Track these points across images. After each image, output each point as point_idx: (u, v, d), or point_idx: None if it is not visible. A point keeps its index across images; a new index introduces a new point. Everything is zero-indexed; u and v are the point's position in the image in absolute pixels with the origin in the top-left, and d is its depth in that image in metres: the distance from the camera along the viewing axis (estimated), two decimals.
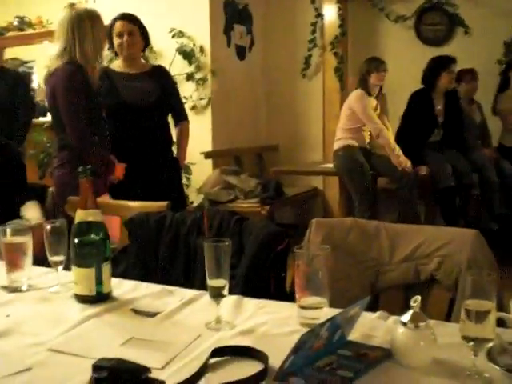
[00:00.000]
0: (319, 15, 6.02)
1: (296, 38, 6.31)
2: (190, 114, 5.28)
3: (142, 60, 3.68)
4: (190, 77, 5.31)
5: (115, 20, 3.46)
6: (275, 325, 1.35)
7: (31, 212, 2.85)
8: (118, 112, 3.35)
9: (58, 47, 3.06)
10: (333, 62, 5.92)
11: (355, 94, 4.87)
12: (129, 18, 3.45)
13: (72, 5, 6.03)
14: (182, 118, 3.70)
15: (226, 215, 2.05)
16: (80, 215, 1.51)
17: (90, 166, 1.51)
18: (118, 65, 3.55)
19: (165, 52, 5.40)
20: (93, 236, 1.51)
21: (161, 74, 3.58)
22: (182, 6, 5.41)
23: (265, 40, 6.45)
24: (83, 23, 3.01)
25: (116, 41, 3.43)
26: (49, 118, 5.77)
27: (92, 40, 3.03)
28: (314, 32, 6.09)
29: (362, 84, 4.85)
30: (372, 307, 1.40)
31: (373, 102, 4.89)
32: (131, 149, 3.34)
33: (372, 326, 1.33)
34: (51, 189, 3.15)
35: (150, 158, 3.40)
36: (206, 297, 1.48)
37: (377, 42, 6.08)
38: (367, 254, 1.86)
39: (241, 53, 6.04)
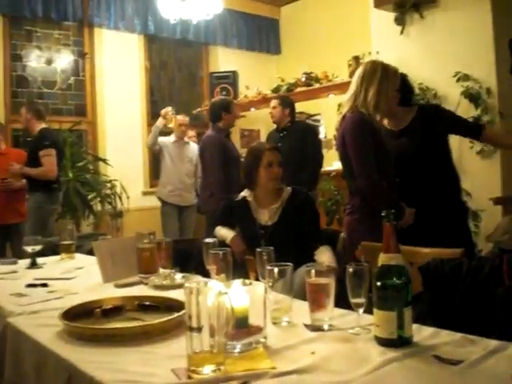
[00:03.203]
0: None
1: None
2: (477, 159, 5.13)
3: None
4: (476, 120, 5.15)
5: None
6: None
7: (324, 256, 2.98)
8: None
9: (348, 94, 3.19)
10: None
11: None
12: None
13: (356, 58, 6.32)
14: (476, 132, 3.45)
15: None
16: (383, 258, 1.55)
17: (393, 211, 1.54)
18: (386, 121, 3.55)
19: (450, 96, 5.33)
20: (395, 279, 1.52)
21: (427, 118, 3.38)
22: (466, 49, 5.31)
23: None
24: (374, 75, 3.10)
25: None
26: (335, 167, 6.06)
27: (376, 91, 3.10)
28: None
29: None
30: None
31: None
32: (415, 196, 3.30)
33: None
34: (342, 234, 3.26)
35: (434, 203, 3.31)
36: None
37: None
38: None
39: None
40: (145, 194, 7.64)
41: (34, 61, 7.22)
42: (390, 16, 5.93)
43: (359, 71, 3.18)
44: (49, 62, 7.35)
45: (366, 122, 3.06)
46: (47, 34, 7.32)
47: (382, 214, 1.56)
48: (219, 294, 1.34)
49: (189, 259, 3.20)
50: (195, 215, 6.61)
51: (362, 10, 6.83)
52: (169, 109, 6.44)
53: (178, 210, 6.50)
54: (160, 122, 6.38)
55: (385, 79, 3.10)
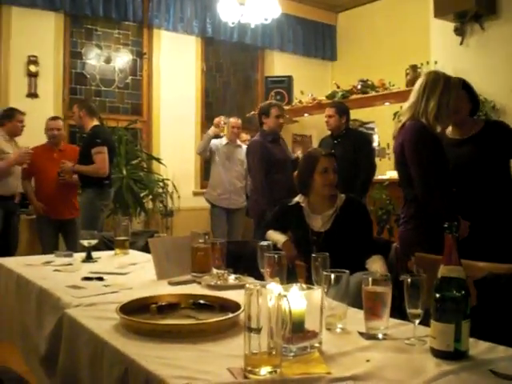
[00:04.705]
0: None
1: None
2: None
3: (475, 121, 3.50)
4: None
5: None
6: None
7: (376, 265, 2.96)
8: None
9: (408, 102, 3.16)
10: None
11: None
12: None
13: (414, 67, 6.26)
14: None
15: None
16: (443, 270, 1.54)
17: (455, 223, 1.54)
18: (450, 130, 3.50)
19: (508, 109, 5.27)
20: (454, 292, 1.51)
21: (495, 131, 3.35)
22: None
23: None
24: (436, 85, 3.07)
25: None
26: (388, 175, 6.02)
27: (437, 102, 3.06)
28: None
29: None
30: None
31: None
32: (471, 208, 3.25)
33: None
34: (395, 244, 3.23)
35: (491, 216, 3.25)
36: None
37: None
38: None
39: None
40: (195, 194, 7.72)
41: (94, 59, 7.39)
42: (449, 26, 5.87)
43: (421, 81, 3.15)
44: (107, 60, 7.50)
45: (426, 130, 3.04)
46: (107, 33, 7.48)
47: (445, 226, 1.55)
48: (279, 297, 1.36)
49: (239, 260, 3.23)
50: (243, 218, 6.64)
51: (422, 18, 6.79)
52: (222, 118, 6.48)
53: (227, 213, 6.53)
54: (212, 130, 6.44)
55: (446, 91, 3.06)
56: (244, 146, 6.64)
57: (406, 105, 3.18)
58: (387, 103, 7.02)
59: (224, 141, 6.60)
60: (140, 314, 1.91)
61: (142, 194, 6.78)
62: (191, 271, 2.64)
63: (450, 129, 3.47)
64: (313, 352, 1.53)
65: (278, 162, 5.26)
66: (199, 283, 2.51)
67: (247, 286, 1.38)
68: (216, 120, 6.45)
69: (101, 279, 2.62)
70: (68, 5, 6.84)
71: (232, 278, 2.52)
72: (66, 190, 5.53)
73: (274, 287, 1.39)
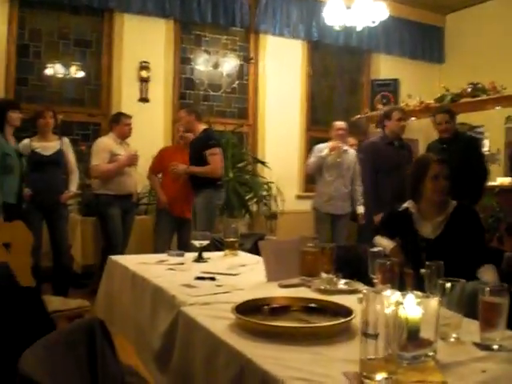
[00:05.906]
0: None
1: None
2: None
3: None
4: None
5: None
6: None
7: (488, 275, 2.89)
8: None
9: None
10: None
11: None
12: None
13: None
14: None
15: None
16: None
17: None
18: None
19: None
20: None
21: None
22: None
23: None
24: None
25: None
26: (498, 182, 5.84)
27: None
28: None
29: None
30: None
31: None
32: None
33: None
34: (507, 253, 3.14)
35: None
36: None
37: None
38: None
39: None
40: (299, 197, 7.77)
41: (202, 64, 7.59)
42: None
43: None
44: (215, 65, 7.67)
45: None
46: (215, 38, 7.66)
47: None
48: (397, 304, 1.37)
49: (346, 265, 3.23)
50: (348, 223, 6.59)
51: None
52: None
53: (332, 218, 6.49)
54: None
55: None
56: (351, 151, 6.57)
57: None
58: (498, 107, 6.78)
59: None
60: (252, 315, 1.95)
61: (247, 197, 6.90)
62: (300, 274, 2.68)
63: None
64: (427, 360, 1.53)
65: (387, 166, 5.23)
66: (309, 287, 2.54)
67: (365, 291, 1.40)
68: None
69: (213, 279, 2.70)
70: (178, 12, 7.07)
71: (342, 283, 2.54)
72: (188, 190, 5.70)
73: (390, 294, 1.40)
